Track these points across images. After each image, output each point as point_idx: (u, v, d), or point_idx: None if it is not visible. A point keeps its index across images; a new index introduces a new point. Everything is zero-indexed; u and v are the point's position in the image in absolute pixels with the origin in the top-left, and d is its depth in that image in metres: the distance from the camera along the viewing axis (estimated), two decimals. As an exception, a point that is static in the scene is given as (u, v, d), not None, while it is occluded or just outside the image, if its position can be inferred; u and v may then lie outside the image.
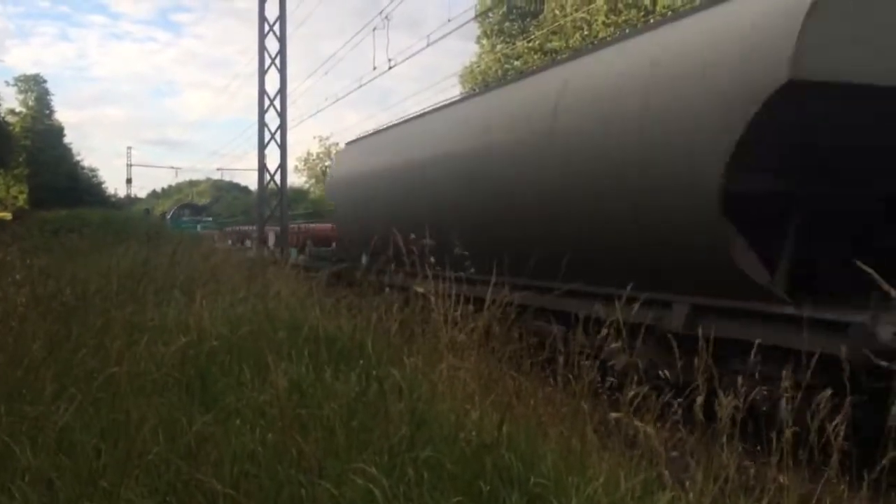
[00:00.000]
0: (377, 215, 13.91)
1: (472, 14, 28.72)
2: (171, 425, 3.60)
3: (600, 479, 3.35)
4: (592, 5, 31.39)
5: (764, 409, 4.30)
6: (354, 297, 7.54)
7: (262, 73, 18.33)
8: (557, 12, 33.99)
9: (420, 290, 6.31)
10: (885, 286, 3.62)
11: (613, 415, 3.99)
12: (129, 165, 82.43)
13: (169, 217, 45.25)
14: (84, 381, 3.94)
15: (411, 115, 16.07)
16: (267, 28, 18.35)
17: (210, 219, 44.56)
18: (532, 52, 35.65)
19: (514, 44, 38.09)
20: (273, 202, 19.48)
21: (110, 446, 3.39)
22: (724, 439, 3.77)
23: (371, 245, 7.20)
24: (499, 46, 41.07)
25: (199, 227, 37.67)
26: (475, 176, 11.00)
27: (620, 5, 30.56)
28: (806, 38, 5.72)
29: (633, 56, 8.35)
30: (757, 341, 4.72)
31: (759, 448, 4.09)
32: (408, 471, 3.18)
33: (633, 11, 29.92)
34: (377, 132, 17.19)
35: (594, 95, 8.73)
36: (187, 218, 43.54)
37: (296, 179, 64.23)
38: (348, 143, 18.18)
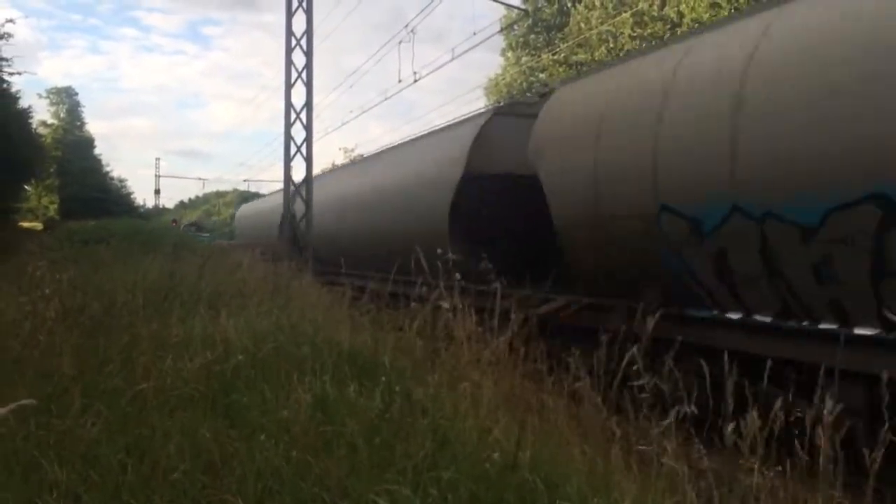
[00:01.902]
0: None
1: (497, 27, 28.82)
2: (196, 441, 3.62)
3: (626, 502, 3.32)
4: (618, 18, 31.32)
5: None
6: (378, 310, 7.55)
7: (289, 86, 18.45)
8: (583, 25, 33.94)
9: (445, 305, 6.32)
10: None
11: (641, 447, 3.94)
12: (158, 176, 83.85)
13: (181, 230, 56.69)
14: (111, 396, 3.98)
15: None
16: (294, 42, 18.49)
17: (207, 234, 60.09)
18: (557, 65, 35.62)
19: (539, 56, 38.10)
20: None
21: (136, 461, 3.41)
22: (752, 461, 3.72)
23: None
24: (524, 59, 41.09)
25: (199, 239, 47.69)
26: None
27: (646, 18, 30.44)
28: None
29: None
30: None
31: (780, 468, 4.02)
32: (431, 491, 3.16)
33: (659, 24, 29.80)
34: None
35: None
36: (191, 233, 58.06)
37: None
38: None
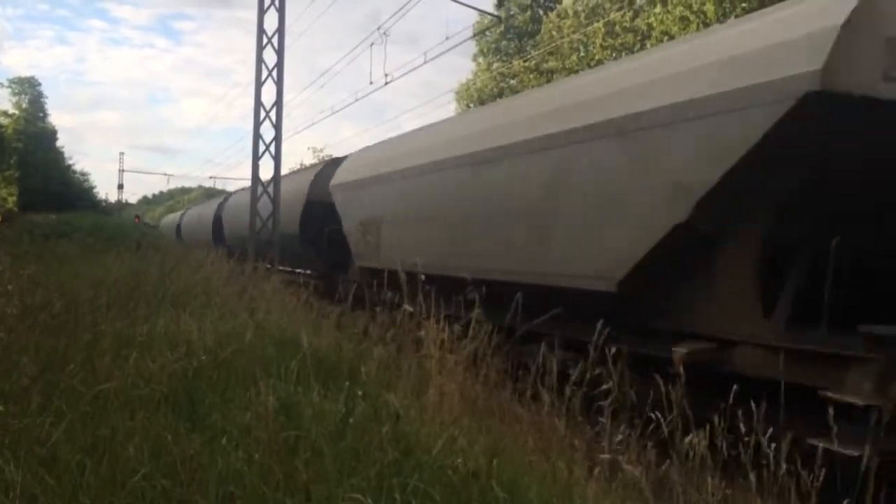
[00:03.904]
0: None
1: (470, 32, 28.94)
2: (158, 443, 3.58)
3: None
4: (590, 28, 31.60)
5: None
6: (344, 314, 7.54)
7: (259, 84, 18.33)
8: (555, 33, 34.20)
9: (409, 308, 6.32)
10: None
11: (603, 456, 3.99)
12: (121, 171, 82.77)
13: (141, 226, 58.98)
14: (71, 395, 3.91)
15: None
16: (265, 40, 18.38)
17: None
18: (528, 72, 35.82)
19: (510, 63, 38.29)
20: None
21: (95, 463, 3.36)
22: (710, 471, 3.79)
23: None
24: (495, 65, 41.27)
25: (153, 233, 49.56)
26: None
27: (618, 29, 30.75)
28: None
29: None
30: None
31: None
32: (395, 496, 3.17)
33: (630, 35, 30.13)
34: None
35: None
36: (147, 229, 60.06)
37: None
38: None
